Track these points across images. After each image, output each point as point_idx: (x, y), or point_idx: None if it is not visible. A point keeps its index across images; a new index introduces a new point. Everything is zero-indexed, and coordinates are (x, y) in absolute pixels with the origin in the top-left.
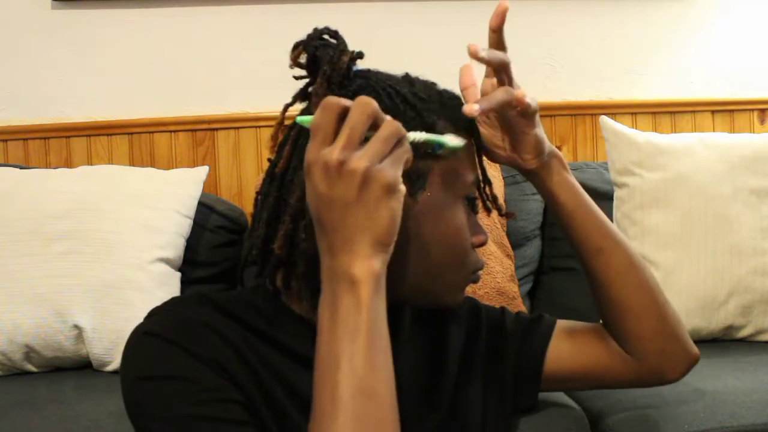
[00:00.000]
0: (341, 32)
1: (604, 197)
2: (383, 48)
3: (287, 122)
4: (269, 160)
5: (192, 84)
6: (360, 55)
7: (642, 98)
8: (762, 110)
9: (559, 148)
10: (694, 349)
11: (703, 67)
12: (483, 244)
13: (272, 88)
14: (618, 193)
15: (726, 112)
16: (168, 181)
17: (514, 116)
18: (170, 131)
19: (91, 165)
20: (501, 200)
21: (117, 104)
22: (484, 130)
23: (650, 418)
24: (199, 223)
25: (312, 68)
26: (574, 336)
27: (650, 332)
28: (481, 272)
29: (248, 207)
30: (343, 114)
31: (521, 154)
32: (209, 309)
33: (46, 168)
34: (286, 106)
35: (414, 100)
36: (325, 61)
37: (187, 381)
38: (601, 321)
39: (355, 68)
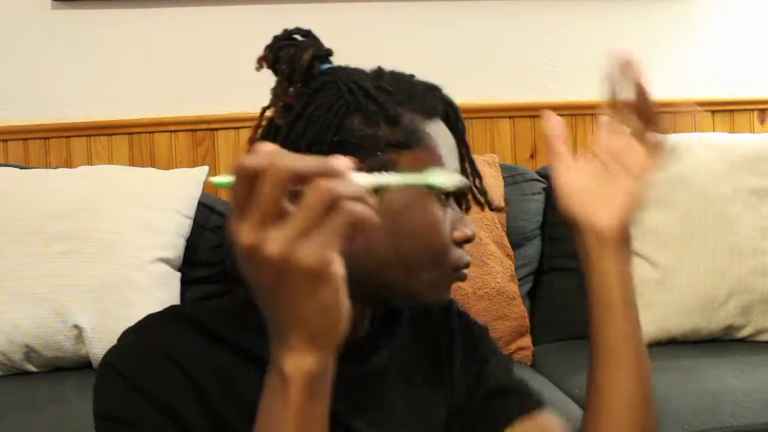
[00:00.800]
0: (341, 32)
1: None
2: (383, 48)
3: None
4: None
5: (192, 84)
6: (328, 53)
7: None
8: (762, 110)
9: None
10: None
11: (703, 67)
12: (467, 239)
13: (272, 88)
14: None
15: (726, 112)
16: (168, 181)
17: (629, 149)
18: (170, 131)
19: (91, 165)
20: (499, 199)
21: (117, 104)
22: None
23: None
24: (199, 223)
25: (276, 68)
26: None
27: None
28: (467, 270)
29: None
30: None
31: (601, 218)
32: (186, 331)
33: (46, 168)
34: (264, 110)
35: (376, 93)
36: (283, 60)
37: (135, 427)
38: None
39: (325, 66)
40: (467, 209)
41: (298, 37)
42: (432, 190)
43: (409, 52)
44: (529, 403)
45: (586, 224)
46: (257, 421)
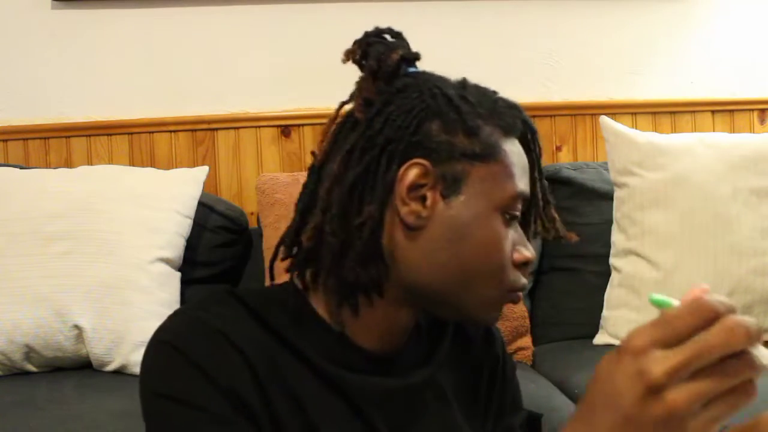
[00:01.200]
0: (341, 32)
1: (604, 197)
2: None
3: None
4: (312, 153)
5: (192, 84)
6: (416, 57)
7: (642, 98)
8: (762, 110)
9: (559, 148)
10: None
11: (703, 67)
12: (526, 262)
13: (272, 88)
14: (618, 193)
15: (726, 112)
16: (168, 181)
17: None
18: (170, 131)
19: (91, 165)
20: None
21: (117, 104)
22: None
23: None
24: (199, 223)
25: (361, 63)
26: None
27: None
28: (521, 294)
29: (248, 207)
30: (710, 324)
31: None
32: (239, 313)
33: (46, 168)
34: (342, 104)
35: (459, 102)
36: (372, 57)
37: (199, 411)
38: None
39: (411, 70)
40: (535, 234)
41: (387, 36)
42: (499, 204)
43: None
44: None
45: None
46: None
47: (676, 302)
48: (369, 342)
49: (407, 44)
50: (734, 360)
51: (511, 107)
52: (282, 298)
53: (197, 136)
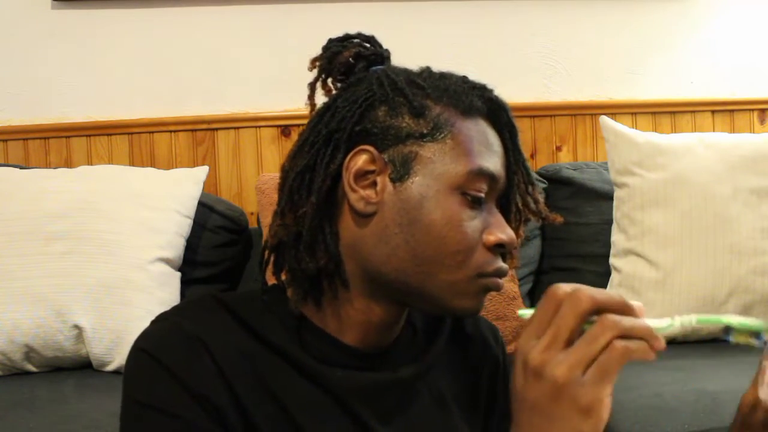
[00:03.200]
0: (340, 32)
1: (604, 197)
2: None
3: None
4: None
5: (192, 84)
6: (375, 54)
7: (642, 98)
8: (762, 110)
9: (559, 148)
10: None
11: (703, 67)
12: (499, 243)
13: (272, 88)
14: (618, 193)
15: (726, 112)
16: (168, 181)
17: None
18: (170, 131)
19: (91, 165)
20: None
21: (117, 104)
22: None
23: (650, 417)
24: (199, 223)
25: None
26: None
27: None
28: (500, 280)
29: (248, 207)
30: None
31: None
32: (220, 318)
33: (46, 168)
34: (314, 106)
35: (404, 85)
36: (324, 56)
37: (172, 419)
38: None
39: (375, 68)
40: (526, 221)
41: (356, 40)
42: (452, 182)
43: (409, 52)
44: None
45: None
46: None
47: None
48: (352, 338)
49: (376, 47)
50: (596, 326)
51: (474, 87)
52: (265, 300)
53: (197, 136)
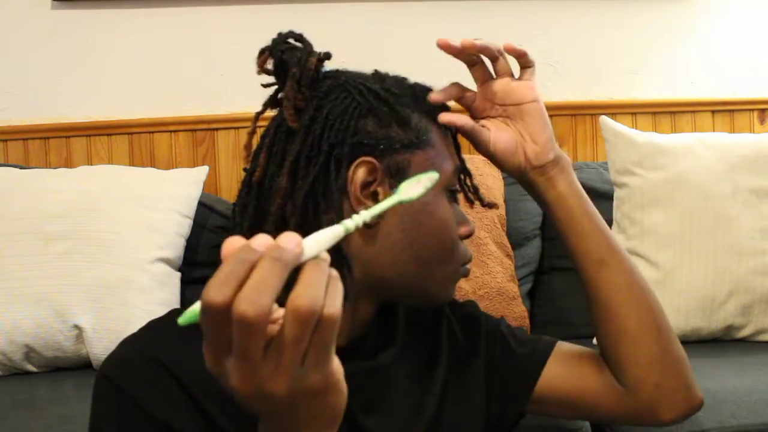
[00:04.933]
0: (341, 32)
1: (604, 197)
2: (383, 48)
3: (260, 130)
4: (245, 170)
5: (192, 84)
6: (327, 56)
7: (642, 98)
8: (762, 110)
9: None
10: (698, 393)
11: (703, 67)
12: (470, 234)
13: (272, 88)
14: (618, 193)
15: (726, 112)
16: (168, 181)
17: (516, 89)
18: (170, 131)
19: (91, 165)
20: (500, 199)
21: (117, 104)
22: (495, 138)
23: None
24: (199, 223)
25: (280, 73)
26: (570, 360)
27: (647, 359)
28: (470, 265)
29: None
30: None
31: (537, 140)
32: (184, 334)
33: (46, 168)
34: (257, 115)
35: (386, 95)
36: (293, 64)
37: None
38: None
39: (324, 69)
40: (468, 201)
41: (292, 40)
42: (442, 184)
43: (409, 52)
44: (549, 341)
45: (523, 166)
46: None
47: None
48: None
49: (311, 45)
50: (287, 326)
51: (426, 90)
52: None
53: (197, 136)
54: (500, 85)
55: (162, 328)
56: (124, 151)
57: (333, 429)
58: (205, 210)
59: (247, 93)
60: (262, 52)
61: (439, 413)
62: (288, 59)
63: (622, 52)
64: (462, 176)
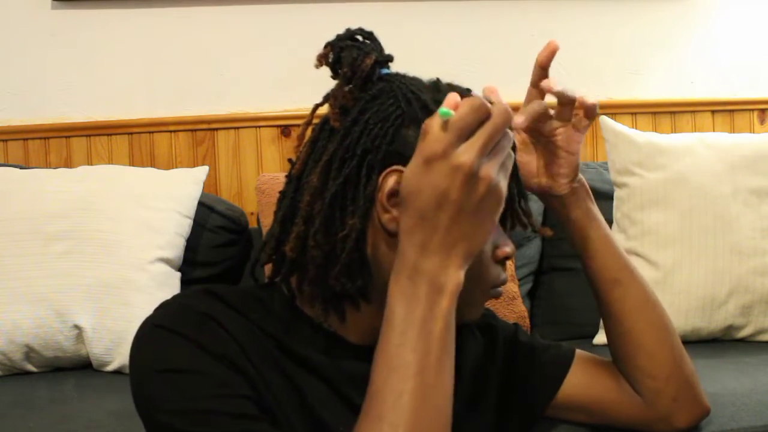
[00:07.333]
0: (339, 32)
1: (604, 197)
2: (384, 48)
3: (314, 122)
4: (290, 161)
5: (192, 84)
6: (389, 59)
7: (642, 98)
8: (762, 110)
9: None
10: (707, 402)
11: (703, 67)
12: (508, 257)
13: (272, 88)
14: (618, 193)
15: (726, 112)
16: (168, 181)
17: (565, 134)
18: (170, 131)
19: (91, 165)
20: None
21: (117, 104)
22: (519, 158)
23: None
24: (199, 223)
25: (336, 69)
26: (591, 368)
27: (664, 374)
28: (502, 288)
29: (248, 207)
30: (486, 114)
31: (558, 179)
32: (216, 303)
33: (46, 168)
34: (316, 107)
35: (433, 107)
36: (346, 63)
37: (201, 375)
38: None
39: (384, 71)
40: (512, 227)
41: (359, 38)
42: None
43: (409, 52)
44: (570, 348)
45: (536, 191)
46: (392, 330)
47: (453, 113)
48: (357, 338)
49: (379, 45)
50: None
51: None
52: (261, 297)
53: (197, 136)
54: (558, 123)
55: (199, 295)
56: (124, 151)
57: (471, 258)
58: (205, 210)
59: (247, 93)
60: (325, 46)
61: (455, 416)
62: (344, 57)
63: (622, 52)
64: (517, 199)
